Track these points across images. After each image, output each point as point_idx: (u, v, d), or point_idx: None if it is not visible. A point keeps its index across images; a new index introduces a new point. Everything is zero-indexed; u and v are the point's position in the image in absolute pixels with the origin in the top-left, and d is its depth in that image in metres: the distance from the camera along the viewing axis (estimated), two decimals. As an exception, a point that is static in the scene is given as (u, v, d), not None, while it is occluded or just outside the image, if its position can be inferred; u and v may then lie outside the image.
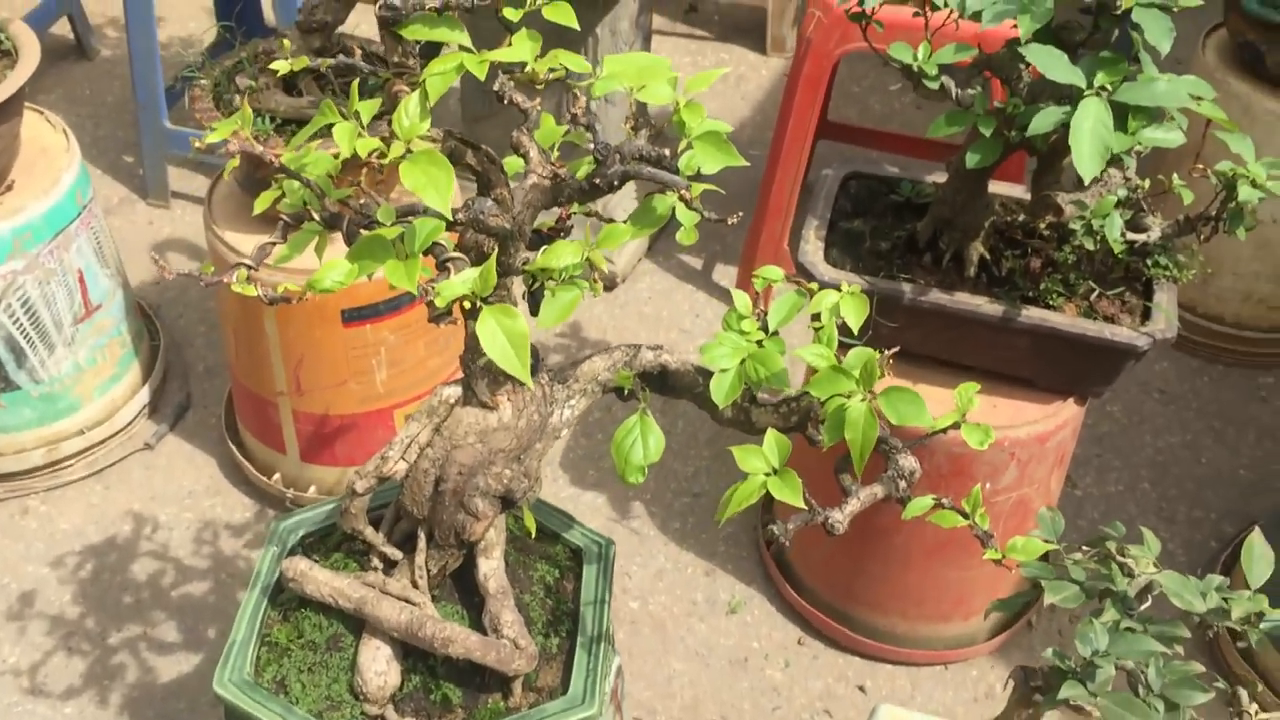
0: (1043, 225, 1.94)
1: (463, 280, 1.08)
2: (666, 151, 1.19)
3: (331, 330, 2.15)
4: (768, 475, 1.16)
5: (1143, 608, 1.14)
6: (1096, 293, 1.88)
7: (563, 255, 1.20)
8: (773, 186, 2.70)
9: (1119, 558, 1.17)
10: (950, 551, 2.12)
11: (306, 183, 1.25)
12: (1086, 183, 1.56)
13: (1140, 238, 1.81)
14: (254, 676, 1.39)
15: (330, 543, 1.54)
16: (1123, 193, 1.81)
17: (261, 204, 1.40)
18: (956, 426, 1.22)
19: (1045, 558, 1.19)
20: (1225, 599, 1.10)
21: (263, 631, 1.43)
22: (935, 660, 2.28)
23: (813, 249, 1.94)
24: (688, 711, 2.17)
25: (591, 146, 1.19)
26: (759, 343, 1.31)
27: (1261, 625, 1.08)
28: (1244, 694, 1.16)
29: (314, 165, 1.34)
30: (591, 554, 1.52)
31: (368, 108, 1.12)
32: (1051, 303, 1.87)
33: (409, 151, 1.06)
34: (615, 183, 1.21)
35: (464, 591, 1.45)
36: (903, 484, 1.25)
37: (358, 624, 1.41)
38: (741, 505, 1.15)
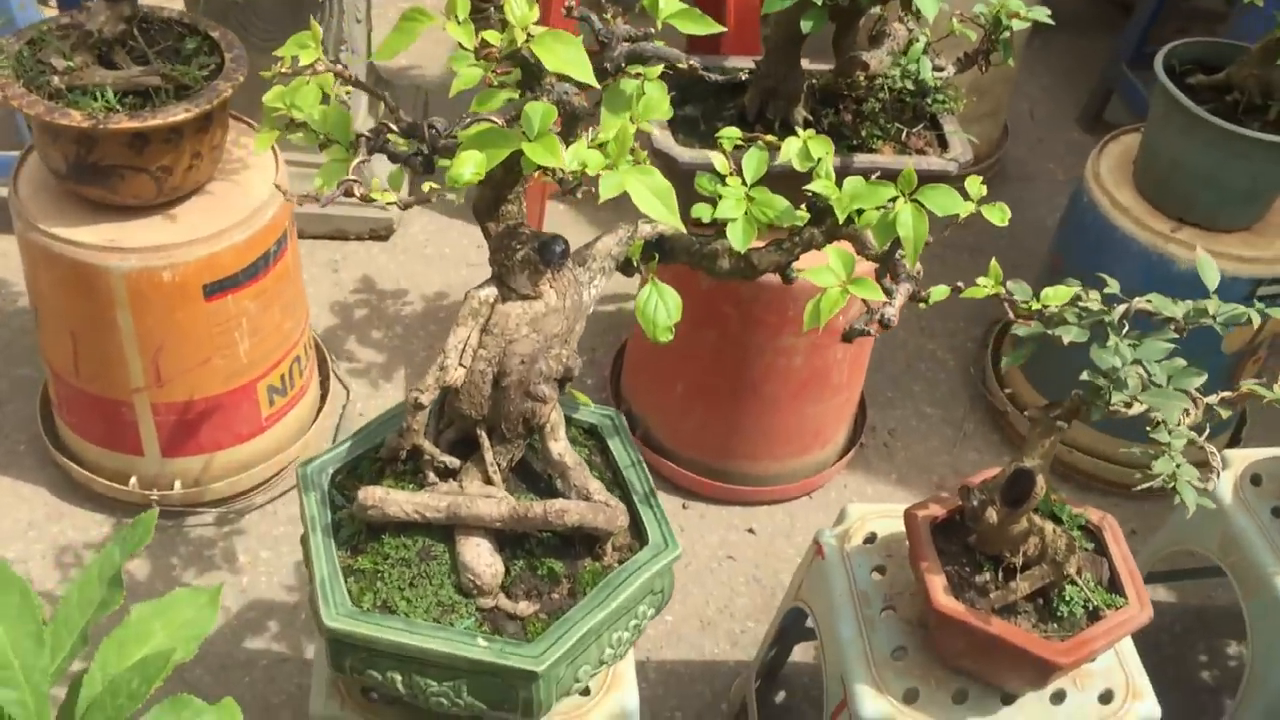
0: (848, 83, 2.21)
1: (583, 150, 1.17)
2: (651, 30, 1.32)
3: (193, 309, 2.08)
4: (843, 285, 1.33)
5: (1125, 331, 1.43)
6: (905, 132, 2.18)
7: (611, 127, 1.30)
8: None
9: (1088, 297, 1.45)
10: (812, 389, 2.39)
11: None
12: (930, 19, 1.85)
13: (943, 74, 2.13)
14: (356, 608, 1.41)
15: (361, 475, 1.55)
16: (921, 42, 2.13)
17: (264, 143, 1.40)
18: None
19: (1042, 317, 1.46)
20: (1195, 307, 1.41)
21: (343, 569, 1.44)
22: (803, 490, 2.55)
23: (664, 137, 2.11)
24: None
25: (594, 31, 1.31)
26: (750, 197, 1.47)
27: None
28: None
29: (303, 99, 1.36)
30: (607, 428, 1.64)
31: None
32: (873, 147, 2.15)
33: (529, 36, 1.13)
34: (622, 64, 1.34)
35: (525, 481, 1.53)
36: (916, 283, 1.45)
37: (444, 532, 1.46)
38: (831, 313, 1.32)
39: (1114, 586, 1.61)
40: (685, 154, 2.07)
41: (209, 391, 2.20)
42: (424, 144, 1.27)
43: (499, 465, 1.48)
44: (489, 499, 1.43)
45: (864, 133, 2.16)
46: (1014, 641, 1.53)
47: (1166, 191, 2.41)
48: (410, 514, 1.44)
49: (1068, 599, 1.58)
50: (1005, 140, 3.46)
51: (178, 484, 2.30)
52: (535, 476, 1.54)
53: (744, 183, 1.48)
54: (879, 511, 1.87)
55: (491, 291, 1.45)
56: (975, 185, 1.39)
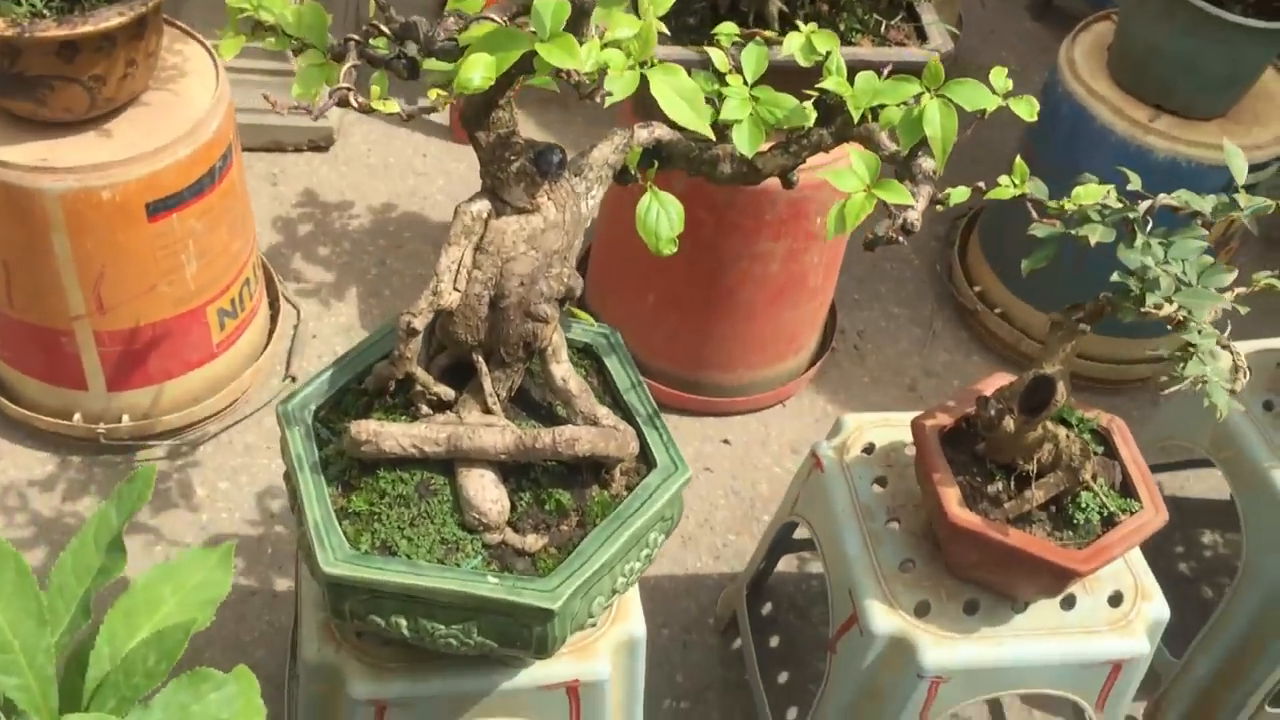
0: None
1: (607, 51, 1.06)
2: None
3: (137, 230, 1.93)
4: (866, 189, 1.25)
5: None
6: (883, 24, 2.08)
7: (621, 23, 1.19)
8: None
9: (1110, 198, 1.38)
10: (789, 294, 2.31)
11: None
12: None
13: (925, -40, 2.03)
14: (355, 551, 1.32)
15: (347, 409, 1.45)
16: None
17: (230, 49, 1.27)
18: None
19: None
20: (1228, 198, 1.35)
21: (336, 511, 1.35)
22: (777, 399, 2.49)
23: (633, 33, 1.98)
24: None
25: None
26: (754, 97, 1.38)
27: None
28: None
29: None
30: (603, 346, 1.55)
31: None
32: (852, 40, 2.05)
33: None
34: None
35: (525, 409, 1.44)
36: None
37: (443, 465, 1.37)
38: (857, 220, 1.24)
39: (1126, 490, 1.57)
40: (675, 52, 1.95)
41: (156, 317, 2.06)
42: (419, 46, 1.14)
43: (498, 393, 1.39)
44: (492, 429, 1.34)
45: (841, 25, 2.06)
46: (1033, 552, 1.49)
47: (1143, 79, 2.35)
48: (407, 449, 1.34)
49: (1083, 506, 1.54)
50: (961, 30, 3.38)
51: (125, 418, 2.17)
52: (535, 404, 1.45)
53: (745, 82, 1.39)
54: (876, 421, 1.81)
55: (484, 206, 1.34)
56: (1000, 77, 1.31)
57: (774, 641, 2.13)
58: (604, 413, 1.39)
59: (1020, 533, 1.50)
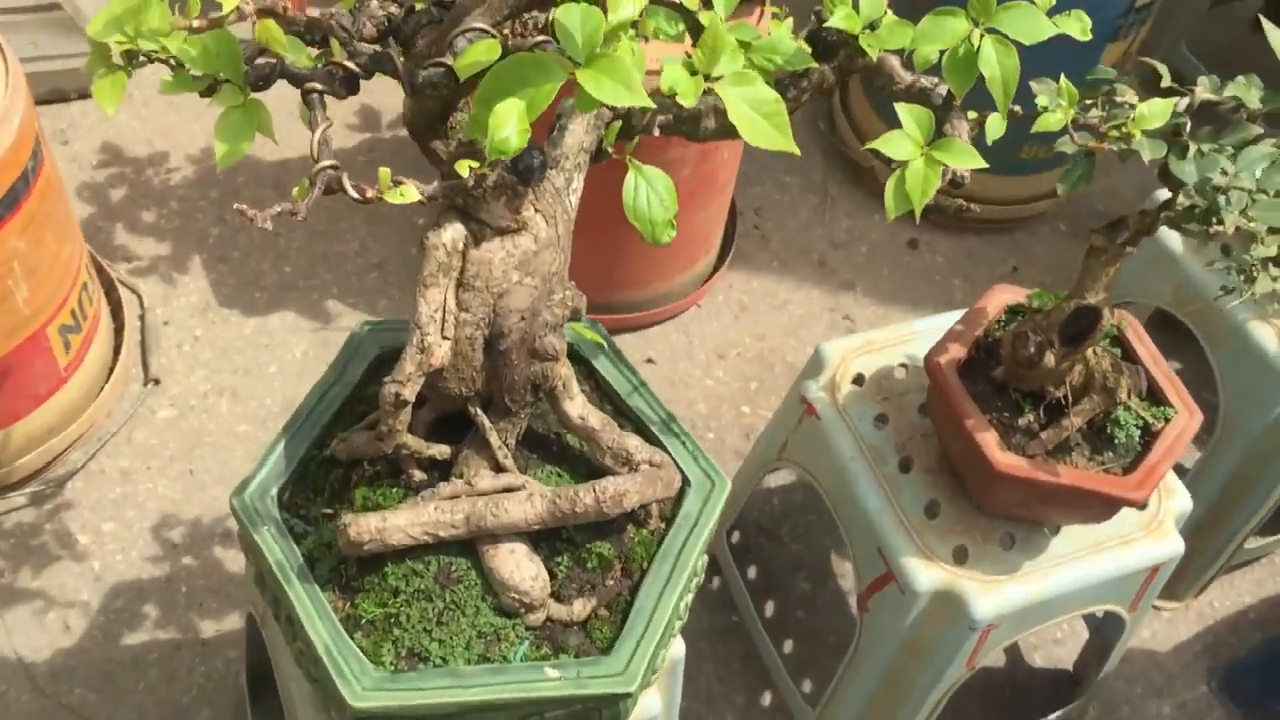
0: None
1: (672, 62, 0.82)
2: None
3: (-52, 266, 1.57)
4: (922, 154, 1.05)
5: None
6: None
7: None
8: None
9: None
10: (699, 196, 2.11)
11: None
12: None
13: None
14: (381, 670, 1.10)
15: (315, 485, 1.21)
16: None
17: (110, 95, 0.96)
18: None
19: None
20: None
21: (343, 621, 1.12)
22: (691, 304, 2.31)
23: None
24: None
25: None
26: (743, 44, 1.14)
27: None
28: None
29: (153, 19, 0.93)
30: (587, 346, 1.33)
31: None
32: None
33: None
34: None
35: (531, 448, 1.22)
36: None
37: (463, 546, 1.14)
38: (925, 195, 1.04)
39: (1153, 395, 1.48)
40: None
41: (-11, 358, 1.71)
42: (401, 70, 0.87)
43: (506, 445, 1.16)
44: (515, 498, 1.12)
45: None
46: (1086, 487, 1.39)
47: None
48: (419, 537, 1.12)
49: (1121, 423, 1.43)
50: None
51: (-30, 472, 1.83)
52: (540, 439, 1.23)
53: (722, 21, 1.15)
54: (857, 347, 1.66)
55: (459, 232, 1.08)
56: (1041, -8, 1.11)
57: (751, 573, 2.01)
58: (635, 444, 1.18)
59: (1071, 469, 1.39)
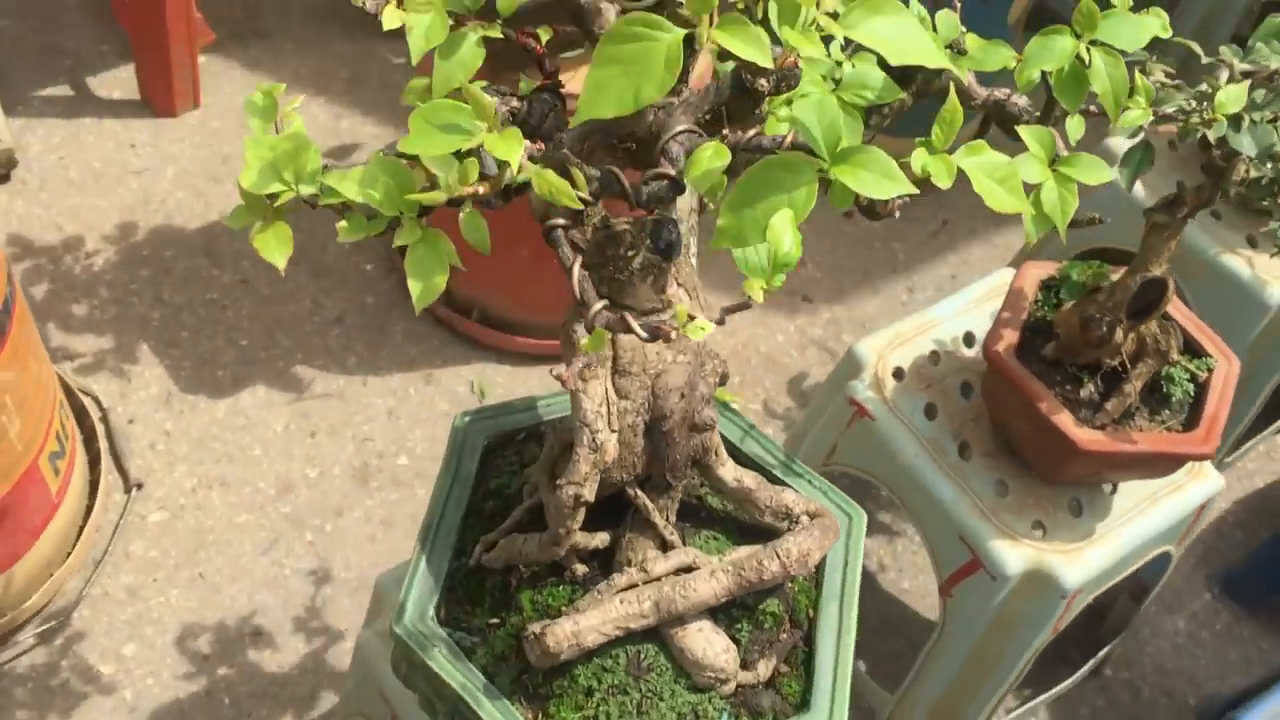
0: None
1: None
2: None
3: (-55, 417, 1.43)
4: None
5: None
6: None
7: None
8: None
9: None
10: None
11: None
12: None
13: None
14: (593, 775, 1.07)
15: (468, 596, 1.16)
16: None
17: (277, 247, 0.90)
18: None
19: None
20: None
21: (540, 732, 1.09)
22: (659, 309, 2.30)
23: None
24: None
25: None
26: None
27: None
28: None
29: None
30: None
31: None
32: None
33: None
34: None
35: (683, 523, 1.20)
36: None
37: (646, 633, 1.12)
38: (1068, 218, 1.06)
39: (1189, 346, 1.55)
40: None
41: (-12, 504, 1.58)
42: (624, 192, 0.83)
43: (669, 522, 1.14)
44: (699, 575, 1.10)
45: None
46: (1164, 450, 1.45)
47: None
48: (611, 634, 1.09)
49: (1175, 380, 1.50)
50: None
51: (-28, 622, 1.69)
52: (682, 505, 1.21)
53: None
54: (888, 341, 1.68)
55: (604, 321, 1.05)
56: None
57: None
58: (793, 498, 1.18)
59: (1146, 434, 1.45)
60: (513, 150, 0.75)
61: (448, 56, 0.99)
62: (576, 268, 0.80)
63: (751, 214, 0.78)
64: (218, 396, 2.04)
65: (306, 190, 0.87)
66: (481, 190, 0.77)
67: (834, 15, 0.72)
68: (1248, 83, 1.22)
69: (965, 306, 1.72)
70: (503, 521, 1.19)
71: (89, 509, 1.84)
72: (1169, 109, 1.22)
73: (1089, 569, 1.52)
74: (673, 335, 0.76)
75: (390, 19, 0.84)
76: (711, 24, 0.71)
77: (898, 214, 1.02)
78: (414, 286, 0.87)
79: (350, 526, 1.94)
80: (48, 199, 2.23)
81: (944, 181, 0.81)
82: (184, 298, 2.14)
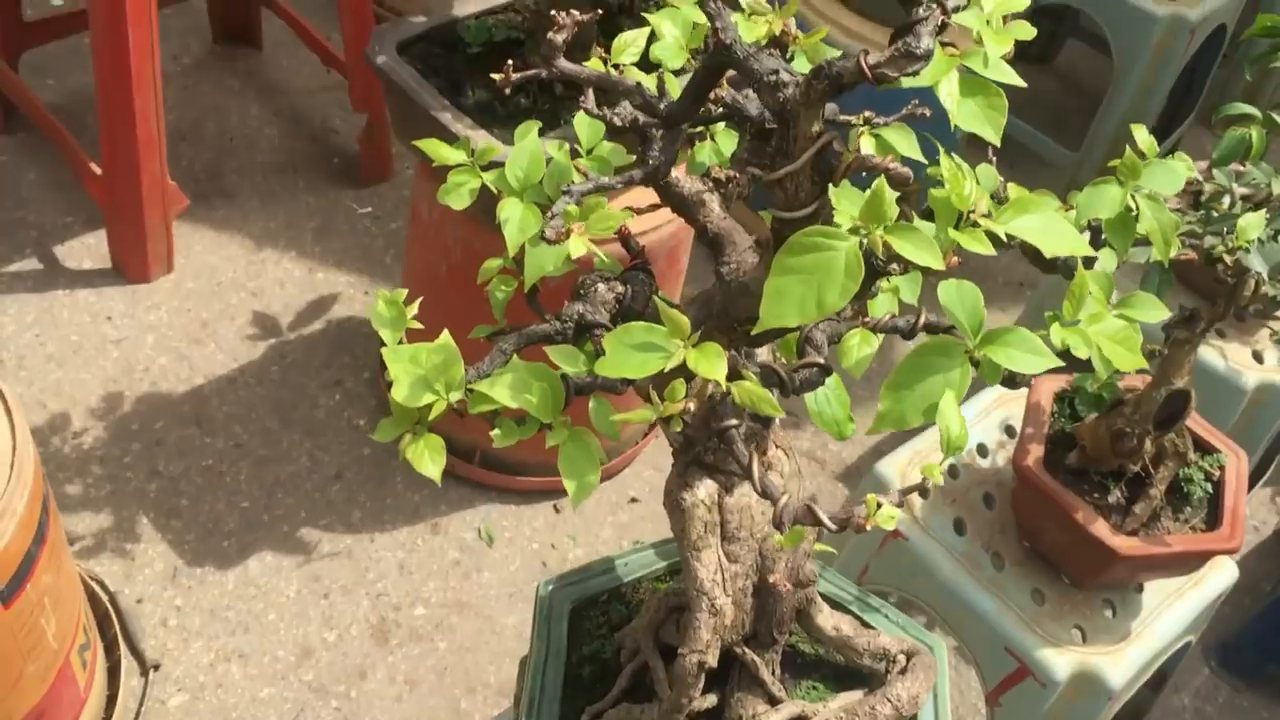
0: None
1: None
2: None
3: (-8, 628, 1.39)
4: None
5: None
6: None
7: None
8: (135, 120, 2.11)
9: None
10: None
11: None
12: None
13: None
14: None
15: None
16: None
17: (429, 458, 0.91)
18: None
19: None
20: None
21: None
22: (649, 439, 2.33)
23: (476, 134, 1.67)
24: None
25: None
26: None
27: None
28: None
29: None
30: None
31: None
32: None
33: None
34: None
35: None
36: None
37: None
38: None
39: (1198, 443, 1.63)
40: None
41: (28, 705, 1.53)
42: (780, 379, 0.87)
43: (776, 676, 1.16)
44: (820, 728, 1.13)
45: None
46: (1198, 550, 1.52)
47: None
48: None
49: (1193, 479, 1.58)
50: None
51: (6, 833, 1.61)
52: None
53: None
54: (908, 460, 1.74)
55: (710, 488, 1.08)
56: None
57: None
58: (888, 640, 1.21)
59: (1179, 536, 1.52)
60: (717, 368, 0.78)
61: (537, 244, 1.04)
62: (755, 465, 0.82)
63: (911, 396, 0.82)
64: (225, 566, 2.01)
65: (455, 398, 0.89)
66: (692, 407, 0.80)
67: (987, 214, 0.78)
68: (1264, 211, 1.32)
69: (974, 419, 1.79)
70: (601, 688, 1.21)
71: (110, 699, 1.78)
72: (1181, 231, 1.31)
73: (1131, 667, 1.58)
74: (867, 527, 0.79)
75: (577, 247, 0.87)
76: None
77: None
78: (569, 485, 0.90)
79: (375, 689, 1.91)
80: (28, 377, 2.19)
81: (1082, 353, 0.86)
82: (180, 467, 2.11)
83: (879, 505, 0.79)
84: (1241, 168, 1.43)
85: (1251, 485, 2.25)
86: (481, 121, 1.71)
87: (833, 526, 0.80)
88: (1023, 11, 0.92)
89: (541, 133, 1.70)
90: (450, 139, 1.71)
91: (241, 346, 2.28)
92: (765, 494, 0.82)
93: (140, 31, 2.01)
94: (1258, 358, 1.99)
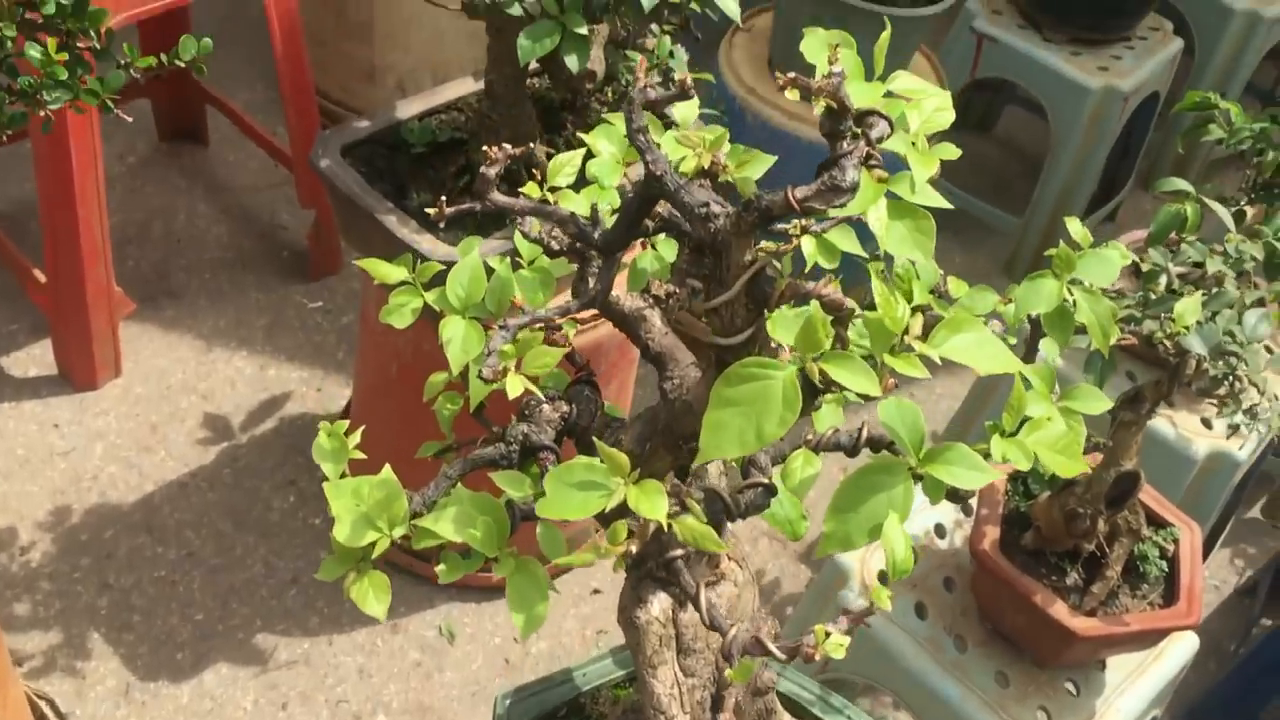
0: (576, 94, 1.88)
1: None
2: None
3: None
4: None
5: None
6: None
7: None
8: (79, 228, 2.10)
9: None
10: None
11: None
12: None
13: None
14: None
15: None
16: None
17: (375, 601, 0.90)
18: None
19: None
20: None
21: None
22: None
23: (421, 239, 1.67)
24: None
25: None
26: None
27: None
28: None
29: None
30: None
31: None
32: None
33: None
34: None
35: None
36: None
37: None
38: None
39: (1151, 518, 1.64)
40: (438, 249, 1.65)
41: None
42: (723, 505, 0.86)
43: (742, 787, 1.15)
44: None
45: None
46: (1157, 627, 1.52)
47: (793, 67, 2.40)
48: None
49: (1147, 557, 1.59)
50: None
51: None
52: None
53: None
54: (867, 550, 1.73)
55: (665, 602, 1.07)
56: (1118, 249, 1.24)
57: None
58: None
59: (1136, 615, 1.53)
60: (658, 507, 0.78)
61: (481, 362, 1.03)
62: (702, 596, 0.82)
63: (856, 517, 0.82)
64: (179, 680, 1.97)
65: (399, 533, 0.88)
66: (633, 549, 0.80)
67: (921, 336, 0.78)
68: (1200, 294, 1.34)
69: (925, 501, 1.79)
70: (563, 806, 1.19)
71: (63, 826, 1.73)
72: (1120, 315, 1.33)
73: (1097, 747, 1.57)
74: (815, 657, 0.78)
75: (514, 386, 0.86)
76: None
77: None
78: (517, 619, 0.89)
79: (338, 800, 1.87)
80: (-31, 493, 2.15)
81: (1024, 466, 0.86)
82: (131, 579, 2.07)
83: (827, 635, 0.78)
84: (1175, 249, 1.45)
85: (1209, 547, 2.27)
86: (426, 224, 1.71)
87: (782, 657, 0.80)
88: (957, 95, 0.94)
89: (486, 233, 1.71)
90: (394, 242, 1.73)
91: (192, 451, 2.25)
92: (713, 626, 0.81)
93: (82, 142, 2.00)
94: (1206, 424, 2.01)
